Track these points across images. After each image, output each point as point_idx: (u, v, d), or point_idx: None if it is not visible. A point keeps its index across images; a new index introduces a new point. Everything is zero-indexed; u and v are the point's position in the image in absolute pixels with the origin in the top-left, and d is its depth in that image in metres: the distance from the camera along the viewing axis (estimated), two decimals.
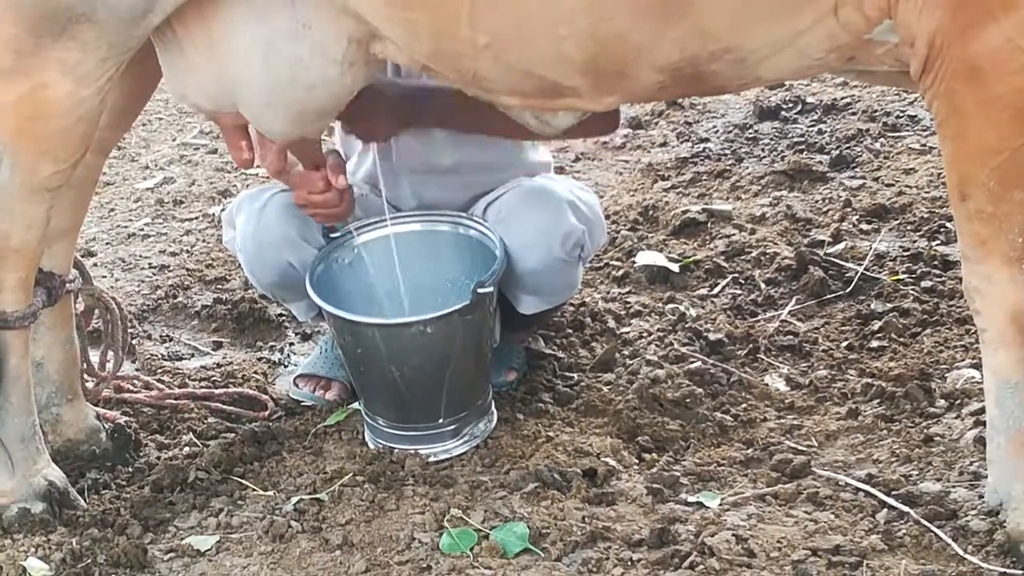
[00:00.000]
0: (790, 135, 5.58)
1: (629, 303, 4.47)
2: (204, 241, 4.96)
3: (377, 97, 3.77)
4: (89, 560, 3.30)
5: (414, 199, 3.99)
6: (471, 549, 3.33)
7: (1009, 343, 3.21)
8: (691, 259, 4.72)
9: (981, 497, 3.39)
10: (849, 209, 4.98)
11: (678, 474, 3.64)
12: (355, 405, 3.89)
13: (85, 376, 3.82)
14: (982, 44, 2.97)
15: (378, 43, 3.24)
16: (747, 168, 5.34)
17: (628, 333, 4.31)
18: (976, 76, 3.00)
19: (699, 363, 4.11)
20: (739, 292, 4.53)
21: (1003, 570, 3.17)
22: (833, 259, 4.64)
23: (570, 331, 4.29)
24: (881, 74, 3.28)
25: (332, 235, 3.91)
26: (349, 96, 3.44)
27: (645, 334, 4.30)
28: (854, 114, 5.68)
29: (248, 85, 3.31)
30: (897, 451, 3.72)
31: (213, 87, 3.37)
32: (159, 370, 4.20)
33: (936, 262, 4.57)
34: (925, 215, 4.88)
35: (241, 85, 3.32)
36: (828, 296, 4.47)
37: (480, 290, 3.66)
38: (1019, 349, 3.22)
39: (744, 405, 3.95)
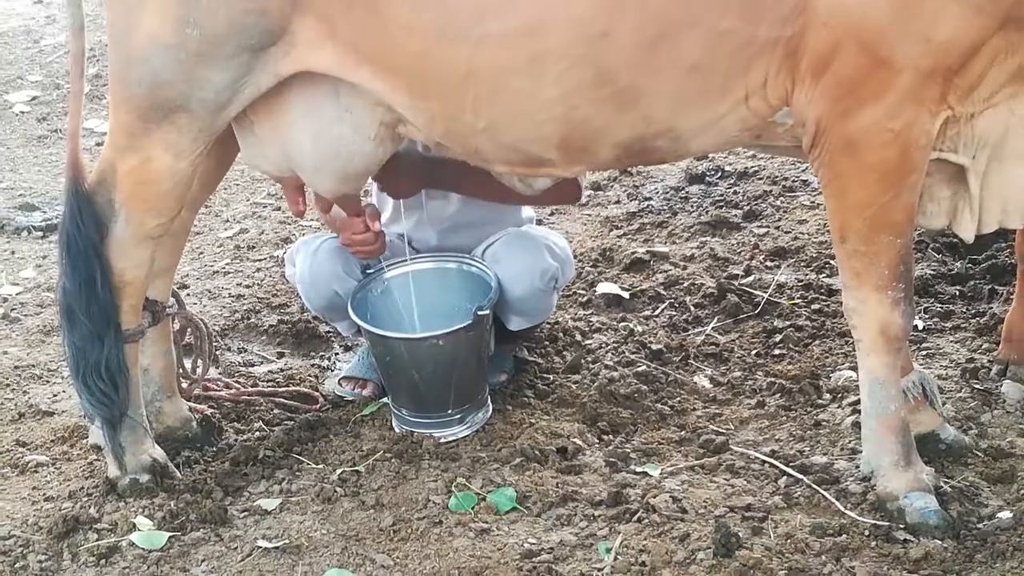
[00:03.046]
0: (712, 195, 5.56)
1: (591, 322, 4.46)
2: (270, 276, 4.93)
3: (403, 164, 3.78)
4: (183, 518, 3.33)
5: (434, 243, 4.00)
6: (472, 508, 3.36)
7: (878, 350, 3.26)
8: (638, 288, 4.71)
9: (857, 467, 3.43)
10: (757, 250, 4.96)
11: (628, 450, 3.66)
12: (385, 400, 3.88)
13: (180, 379, 3.81)
14: (856, 125, 3.02)
15: (403, 125, 3.29)
16: (680, 220, 5.32)
17: (591, 344, 4.30)
18: (852, 149, 3.05)
19: (644, 367, 4.11)
20: (674, 313, 4.51)
21: (874, 522, 3.24)
22: (745, 288, 4.63)
23: (547, 343, 4.28)
24: (780, 148, 3.36)
25: (367, 271, 3.93)
26: (381, 163, 3.48)
27: (604, 345, 4.29)
28: (761, 179, 5.66)
29: (303, 156, 3.35)
30: (794, 432, 3.75)
31: (277, 157, 3.41)
32: (236, 374, 4.17)
33: (823, 290, 4.57)
34: (814, 254, 4.88)
35: (297, 156, 3.36)
36: (741, 316, 4.46)
37: (479, 312, 3.69)
38: (886, 355, 3.27)
39: (678, 398, 3.95)
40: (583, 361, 4.17)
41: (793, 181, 5.62)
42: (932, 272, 4.64)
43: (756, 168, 5.78)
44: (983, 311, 4.37)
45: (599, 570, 3.06)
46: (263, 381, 4.15)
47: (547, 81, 2.98)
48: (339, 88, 3.20)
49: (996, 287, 4.53)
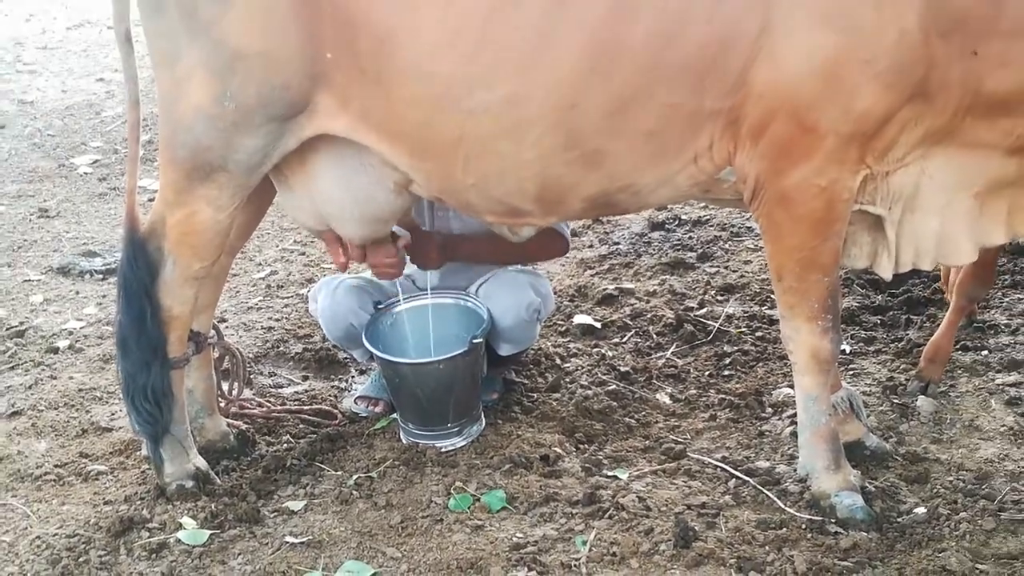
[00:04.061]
0: (671, 240, 5.57)
1: (569, 348, 4.46)
2: (296, 311, 4.93)
3: (431, 241, 3.86)
4: (222, 518, 3.34)
5: (436, 283, 4.01)
6: (469, 507, 3.36)
7: (811, 371, 3.28)
8: (608, 319, 4.70)
9: (795, 470, 3.45)
10: (709, 286, 4.97)
11: (601, 457, 3.67)
12: (394, 415, 3.87)
13: (219, 399, 3.81)
14: (789, 182, 3.03)
15: (413, 184, 3.27)
16: (644, 261, 5.33)
17: (568, 367, 4.29)
18: (786, 202, 3.07)
19: (614, 386, 4.11)
20: (639, 340, 4.51)
21: (809, 517, 3.27)
22: (699, 318, 4.63)
23: (531, 366, 4.28)
24: (726, 200, 3.35)
25: (379, 306, 3.92)
26: (403, 209, 3.47)
27: (579, 368, 4.29)
28: (712, 226, 5.68)
29: (333, 205, 3.35)
30: (741, 441, 3.76)
31: (310, 208, 3.40)
32: (267, 394, 4.17)
33: (765, 320, 4.58)
34: (758, 290, 4.89)
35: (326, 204, 3.36)
36: (696, 342, 4.47)
37: (474, 341, 3.70)
38: (817, 375, 3.28)
39: (643, 413, 3.94)
40: (562, 381, 4.16)
41: (739, 228, 5.64)
42: (857, 304, 4.67)
43: (708, 217, 5.80)
44: (901, 337, 4.40)
45: (576, 560, 3.06)
46: (290, 400, 4.14)
47: (526, 144, 3.01)
48: (359, 145, 3.20)
49: (911, 316, 4.57)
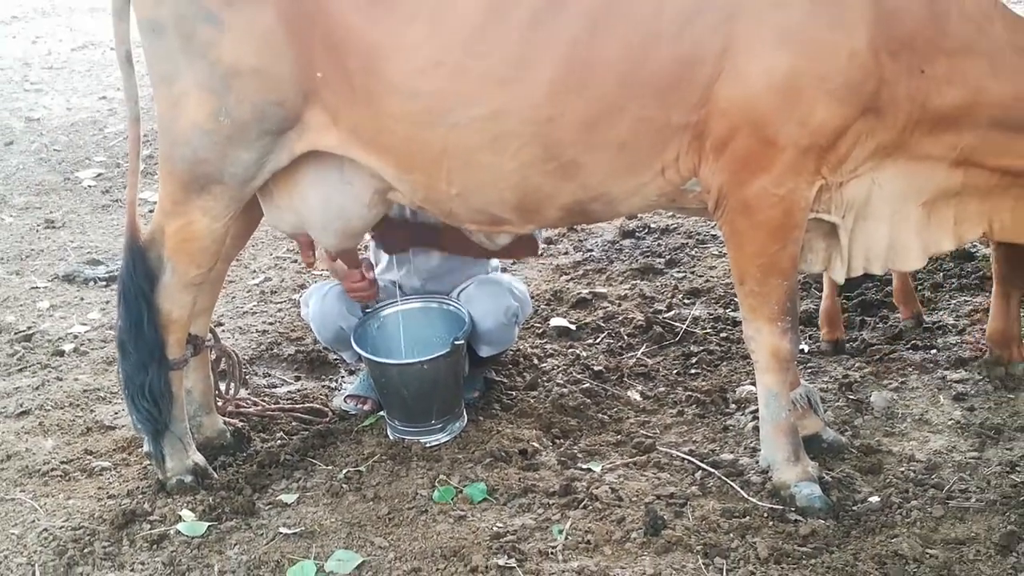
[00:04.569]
0: (641, 247, 5.56)
1: (546, 349, 4.44)
2: (289, 316, 4.90)
3: (397, 226, 3.84)
4: (219, 510, 3.32)
5: (419, 287, 4.00)
6: (452, 499, 3.35)
7: (772, 370, 3.28)
8: (582, 322, 4.69)
9: (757, 462, 3.45)
10: (676, 291, 4.97)
11: (576, 451, 3.65)
12: (381, 413, 3.85)
13: (216, 398, 3.78)
14: (750, 192, 3.04)
15: (392, 192, 3.28)
16: (616, 267, 5.33)
17: (545, 367, 4.28)
18: (747, 211, 3.07)
19: (588, 384, 4.09)
20: (611, 341, 4.50)
21: (771, 506, 3.26)
22: (667, 320, 4.62)
23: (510, 366, 4.26)
24: (692, 209, 3.35)
25: (366, 311, 3.91)
26: (373, 223, 3.51)
27: (556, 367, 4.27)
28: (679, 234, 5.67)
29: (313, 217, 3.36)
30: (707, 435, 3.75)
31: (292, 219, 3.41)
32: (262, 394, 4.14)
33: (729, 322, 4.58)
34: (722, 293, 4.89)
35: (308, 217, 3.37)
36: (665, 343, 4.45)
37: (455, 342, 3.69)
38: (778, 373, 3.28)
39: (615, 409, 3.93)
40: (539, 380, 4.14)
41: (704, 236, 5.64)
42: (814, 307, 4.62)
43: (675, 225, 5.80)
44: (855, 337, 4.40)
45: (553, 548, 3.05)
46: (283, 399, 4.10)
47: (506, 157, 3.01)
48: (343, 164, 3.21)
49: (865, 318, 4.57)
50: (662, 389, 4.09)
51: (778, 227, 3.03)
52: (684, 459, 3.53)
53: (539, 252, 4.22)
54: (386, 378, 3.70)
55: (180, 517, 3.25)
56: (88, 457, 3.68)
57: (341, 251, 3.60)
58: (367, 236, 3.87)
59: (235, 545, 3.14)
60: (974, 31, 2.94)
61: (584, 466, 3.52)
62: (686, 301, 4.90)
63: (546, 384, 4.14)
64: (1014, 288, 3.92)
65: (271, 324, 4.86)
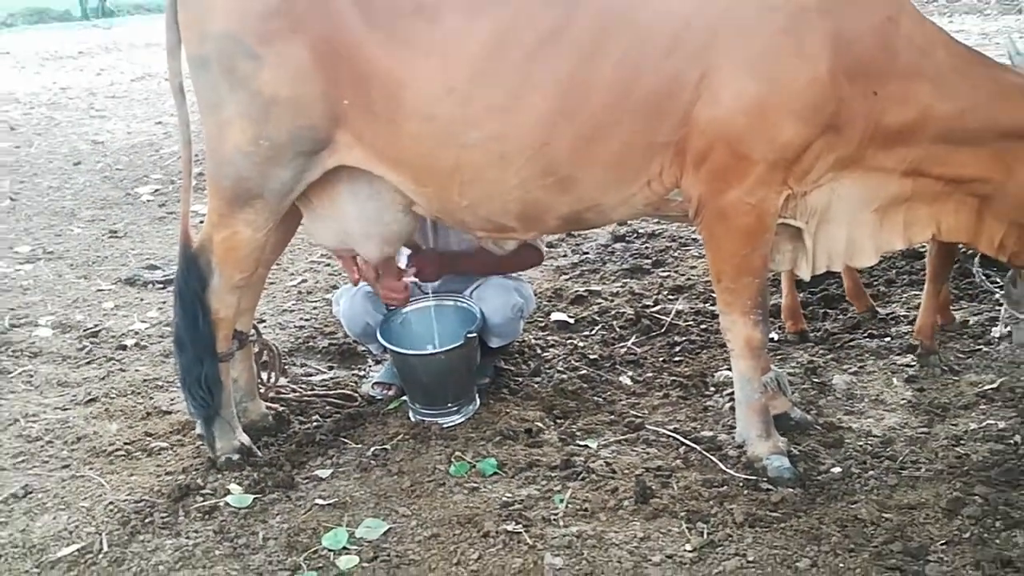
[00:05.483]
0: (631, 249, 5.56)
1: (548, 340, 4.45)
2: (323, 313, 4.90)
3: (430, 257, 3.84)
4: (263, 484, 3.32)
5: (437, 287, 3.99)
6: (466, 473, 3.34)
7: (745, 356, 3.26)
8: (580, 316, 4.70)
9: (733, 438, 3.43)
10: (663, 288, 4.97)
11: (575, 430, 3.64)
12: (404, 398, 3.86)
13: (259, 386, 3.79)
14: (725, 200, 3.02)
15: (414, 205, 3.25)
16: (608, 267, 5.33)
17: (547, 356, 4.28)
18: (723, 217, 3.05)
19: (585, 371, 4.10)
20: (605, 333, 4.51)
21: (745, 476, 3.25)
22: (654, 314, 4.63)
23: (517, 356, 4.27)
24: (674, 216, 3.32)
25: (390, 308, 3.90)
26: (412, 229, 3.43)
27: (556, 356, 4.28)
28: (664, 238, 5.68)
29: (351, 224, 3.32)
30: (689, 415, 3.74)
31: (335, 228, 3.35)
32: (299, 382, 4.14)
33: (708, 315, 4.58)
34: (702, 290, 4.89)
35: (347, 225, 3.32)
36: (652, 334, 4.46)
37: (469, 335, 3.68)
38: (750, 360, 3.27)
39: (609, 392, 3.93)
40: (542, 368, 4.13)
41: (686, 239, 5.64)
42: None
43: (660, 231, 5.80)
44: (819, 328, 4.39)
45: (555, 515, 3.05)
46: (318, 386, 4.10)
47: (509, 173, 3.00)
48: (372, 177, 3.17)
49: (828, 311, 4.56)
50: (650, 374, 4.08)
51: (751, 232, 3.02)
52: (669, 436, 3.53)
53: (543, 261, 4.20)
54: (408, 367, 3.69)
55: (228, 491, 3.26)
56: (148, 439, 3.67)
57: (382, 260, 3.53)
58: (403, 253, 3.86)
59: (277, 515, 3.13)
60: (920, 57, 2.92)
61: (582, 443, 3.52)
62: (670, 297, 4.89)
63: (548, 371, 4.14)
64: (942, 285, 3.94)
65: (307, 320, 4.85)
